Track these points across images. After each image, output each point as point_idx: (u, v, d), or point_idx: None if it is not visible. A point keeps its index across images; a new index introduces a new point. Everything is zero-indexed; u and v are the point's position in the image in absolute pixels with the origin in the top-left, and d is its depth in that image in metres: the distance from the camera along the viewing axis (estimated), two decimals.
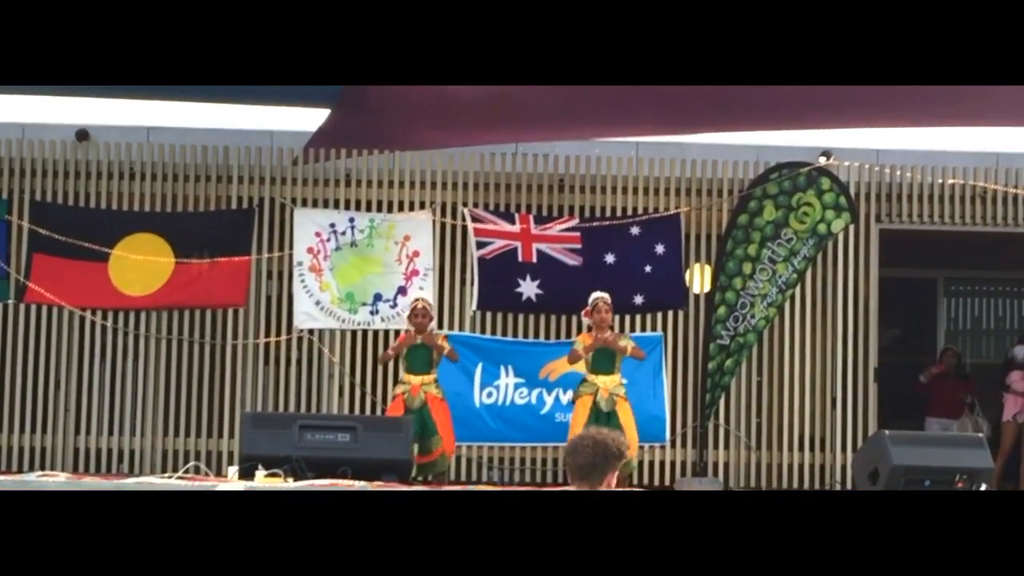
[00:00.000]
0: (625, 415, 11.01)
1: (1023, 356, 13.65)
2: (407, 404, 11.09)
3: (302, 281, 12.66)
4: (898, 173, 13.28)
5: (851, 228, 13.06)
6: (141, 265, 12.50)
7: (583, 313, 11.42)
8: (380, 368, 12.86)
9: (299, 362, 13.08)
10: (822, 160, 13.13)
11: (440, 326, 12.60)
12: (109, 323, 12.84)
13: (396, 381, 11.74)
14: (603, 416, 10.83)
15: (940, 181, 13.31)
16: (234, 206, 12.98)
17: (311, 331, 12.81)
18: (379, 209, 12.95)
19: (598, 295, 11.31)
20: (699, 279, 13.23)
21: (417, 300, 11.49)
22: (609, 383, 11.08)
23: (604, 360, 11.14)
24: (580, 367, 11.30)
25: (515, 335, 12.90)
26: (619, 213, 13.05)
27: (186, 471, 10.36)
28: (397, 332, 12.40)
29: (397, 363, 11.92)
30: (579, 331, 12.43)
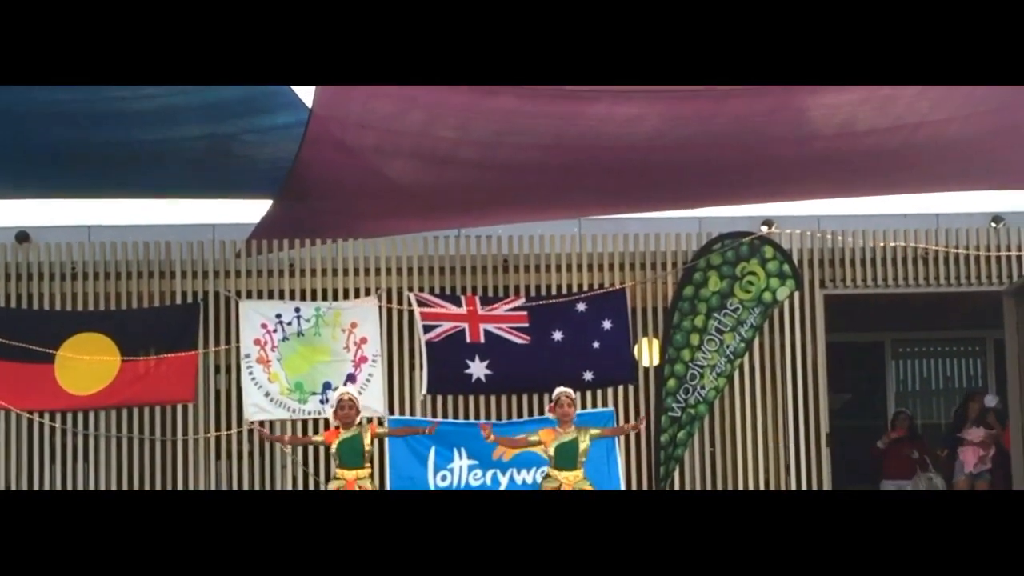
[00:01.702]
0: None
1: (988, 405, 13.93)
2: None
3: (250, 373, 12.80)
4: (839, 238, 13.58)
5: (796, 295, 13.34)
6: (87, 365, 12.61)
7: (548, 409, 11.60)
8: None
9: (251, 455, 13.22)
10: (764, 229, 13.45)
11: (391, 411, 12.83)
12: (58, 424, 12.94)
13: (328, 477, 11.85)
14: None
15: (881, 244, 13.61)
16: (178, 301, 13.14)
17: (262, 423, 12.93)
18: (324, 298, 13.14)
19: (561, 390, 11.52)
20: (647, 353, 13.45)
21: (343, 393, 11.54)
22: (572, 479, 11.26)
23: (567, 457, 11.30)
24: (539, 450, 11.46)
25: (466, 417, 13.07)
26: (564, 291, 13.28)
27: None
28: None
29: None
30: (530, 411, 12.69)
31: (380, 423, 11.94)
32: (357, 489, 11.18)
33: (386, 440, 12.41)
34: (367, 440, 11.32)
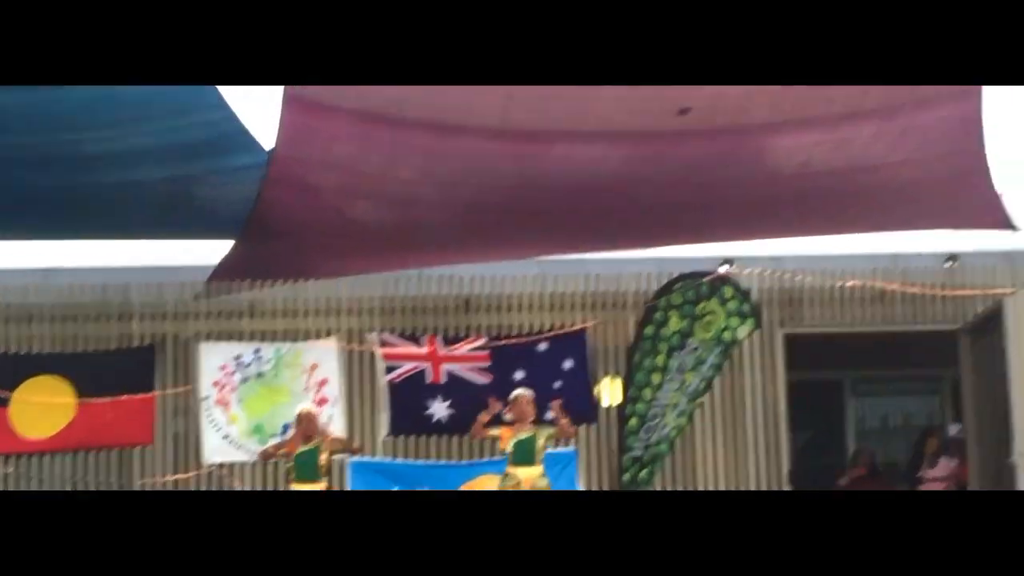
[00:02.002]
0: None
1: (951, 435, 14.09)
2: None
3: (209, 415, 12.78)
4: (799, 278, 13.71)
5: (756, 334, 13.48)
6: (43, 408, 12.59)
7: (505, 410, 11.65)
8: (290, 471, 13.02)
9: None
10: (723, 269, 13.56)
11: (353, 452, 12.81)
12: (11, 470, 12.87)
13: None
14: None
15: (840, 284, 13.75)
16: (136, 344, 13.11)
17: (221, 465, 12.90)
18: (285, 339, 13.17)
19: (520, 391, 11.61)
20: (609, 392, 13.54)
21: (301, 408, 11.56)
22: (531, 475, 11.29)
23: (525, 453, 11.38)
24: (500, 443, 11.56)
25: (427, 458, 13.11)
26: (526, 331, 13.38)
27: None
28: None
29: None
30: (491, 452, 12.73)
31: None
32: None
33: (347, 481, 12.43)
34: (324, 456, 11.35)
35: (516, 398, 11.55)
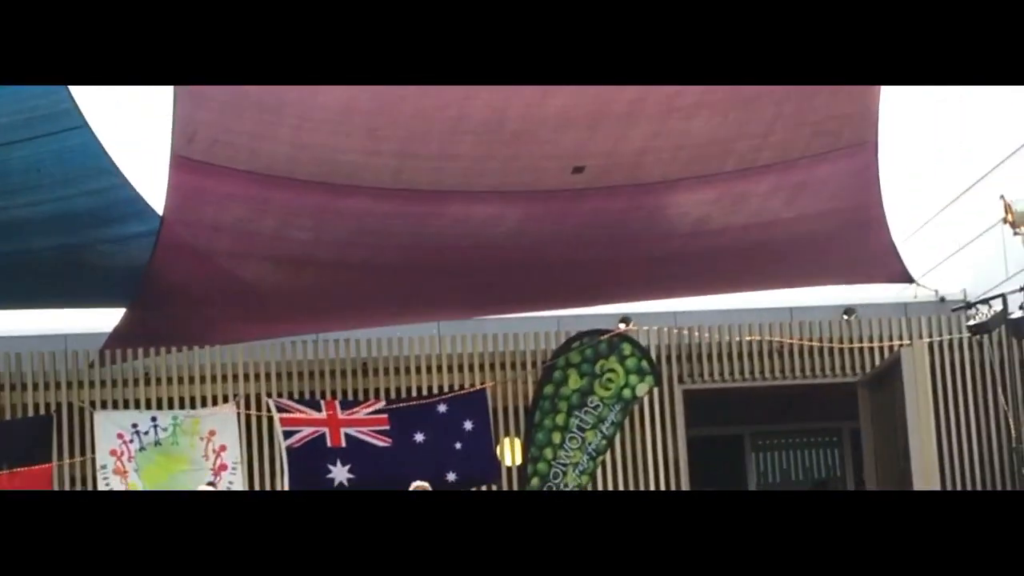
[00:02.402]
0: None
1: None
2: None
3: (107, 484, 12.76)
4: (696, 333, 13.87)
5: (655, 391, 13.60)
6: None
7: None
8: None
9: None
10: (622, 326, 13.70)
11: None
12: None
13: None
14: None
15: (738, 339, 13.93)
16: (31, 413, 13.06)
17: None
18: (182, 406, 13.16)
19: (417, 484, 11.58)
20: (510, 452, 13.61)
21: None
22: None
23: None
24: None
25: None
26: (425, 392, 13.44)
27: None
28: None
29: None
30: None
31: None
32: None
33: None
34: None
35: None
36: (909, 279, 14.53)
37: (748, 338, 13.93)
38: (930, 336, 13.89)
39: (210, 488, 11.65)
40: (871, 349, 14.02)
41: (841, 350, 14.00)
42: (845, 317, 14.30)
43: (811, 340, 14.01)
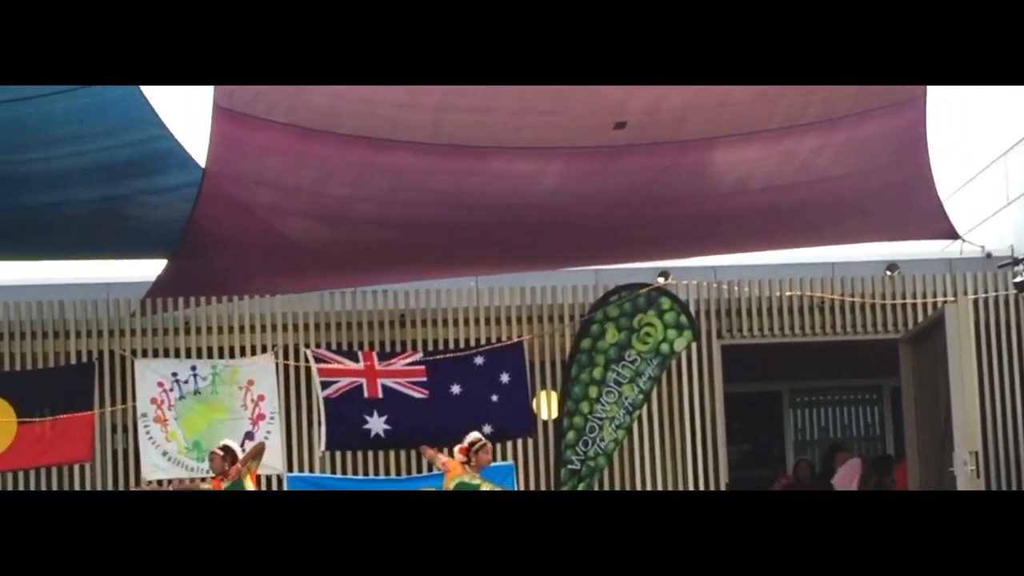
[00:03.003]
0: None
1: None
2: None
3: (147, 433, 13.05)
4: (736, 288, 13.99)
5: (693, 346, 13.74)
6: None
7: (458, 449, 11.91)
8: None
9: None
10: (660, 280, 13.84)
11: (290, 468, 13.12)
12: None
13: None
14: None
15: (778, 294, 14.03)
16: (73, 361, 13.37)
17: (160, 482, 13.15)
18: (221, 355, 13.44)
19: (473, 435, 11.91)
20: (546, 405, 13.82)
21: (221, 447, 11.82)
22: None
23: None
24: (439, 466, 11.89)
25: (365, 473, 13.40)
26: (462, 344, 13.65)
27: None
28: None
29: None
30: (428, 467, 13.04)
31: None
32: None
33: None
34: (249, 484, 11.68)
35: (483, 445, 11.82)
36: (955, 235, 14.60)
37: (788, 293, 14.01)
38: (975, 293, 13.90)
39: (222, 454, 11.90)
40: (914, 305, 14.08)
41: (883, 306, 14.07)
42: (888, 273, 14.34)
43: (853, 296, 14.07)
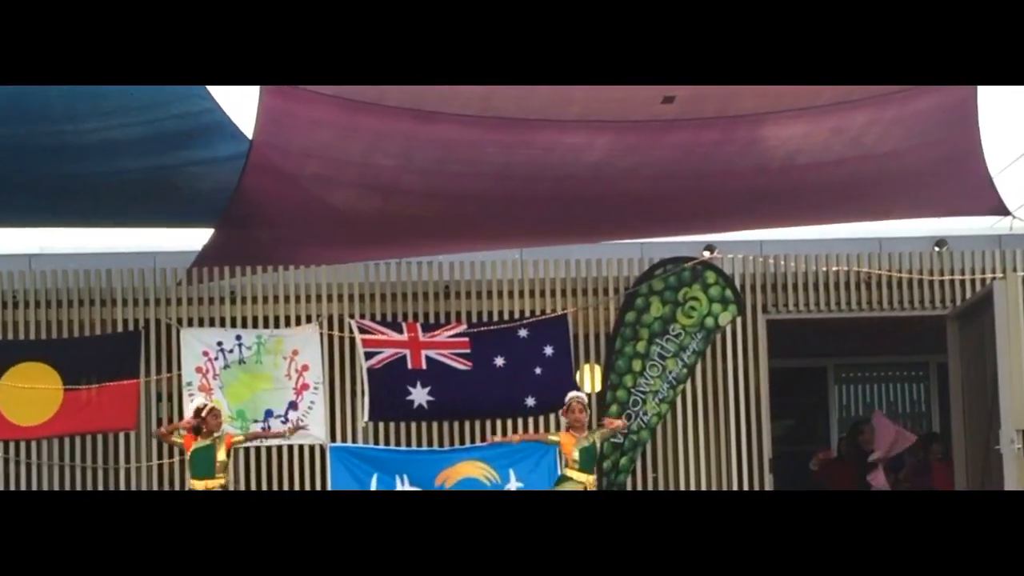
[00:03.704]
0: None
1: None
2: None
3: (192, 401, 13.25)
4: (782, 263, 14.17)
5: (738, 320, 13.93)
6: (30, 395, 13.15)
7: (561, 413, 12.22)
8: (275, 484, 13.62)
9: None
10: (706, 254, 14.04)
11: (333, 438, 13.41)
12: (0, 453, 13.46)
13: None
14: None
15: (824, 269, 14.18)
16: (120, 329, 13.70)
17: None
18: (266, 325, 13.74)
19: (573, 395, 12.26)
20: (589, 379, 14.06)
21: (205, 404, 12.23)
22: (591, 481, 12.09)
23: (589, 460, 12.12)
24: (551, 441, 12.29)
25: (408, 444, 13.69)
26: (506, 317, 13.89)
27: None
28: (290, 447, 13.28)
29: None
30: (471, 438, 13.29)
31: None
32: None
33: (328, 467, 13.03)
34: (221, 452, 12.05)
35: (569, 403, 12.19)
36: (1005, 212, 14.68)
37: (835, 268, 14.16)
38: None
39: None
40: (962, 282, 14.21)
41: (931, 282, 14.21)
42: (936, 249, 14.48)
43: (900, 272, 14.22)
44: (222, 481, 12.06)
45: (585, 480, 12.00)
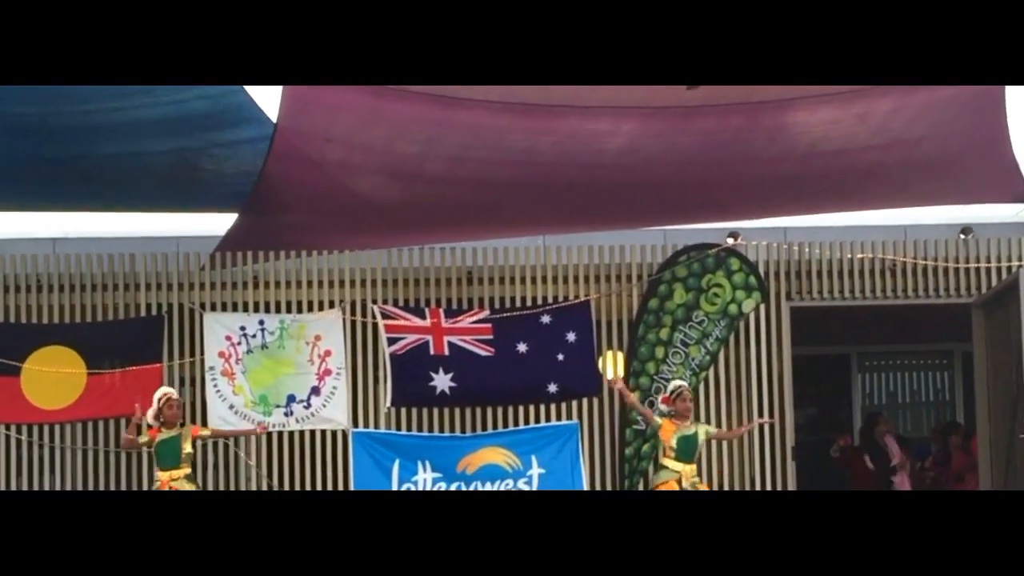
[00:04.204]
0: None
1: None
2: None
3: (215, 386, 13.48)
4: (806, 250, 14.24)
5: (762, 307, 14.02)
6: (54, 379, 13.30)
7: (661, 400, 12.32)
8: (297, 469, 13.73)
9: (216, 467, 13.92)
10: (730, 241, 14.12)
11: (355, 424, 13.53)
12: (24, 436, 13.60)
13: None
14: None
15: (849, 256, 14.26)
16: (143, 313, 13.84)
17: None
18: (288, 310, 13.85)
19: (681, 383, 12.41)
20: (612, 365, 14.12)
21: (166, 392, 12.45)
22: (690, 471, 12.28)
23: (688, 450, 12.36)
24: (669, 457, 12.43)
25: (430, 430, 13.80)
26: (529, 303, 13.98)
27: None
28: (312, 433, 13.40)
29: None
30: (494, 424, 13.40)
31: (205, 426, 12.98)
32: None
33: (350, 452, 13.15)
34: (187, 444, 12.28)
35: (679, 391, 12.41)
36: None
37: (859, 256, 14.22)
38: None
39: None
40: (988, 269, 14.27)
41: (956, 270, 14.27)
42: (962, 236, 14.51)
43: (925, 259, 14.27)
44: (187, 471, 12.28)
45: (682, 469, 12.22)
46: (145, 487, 13.65)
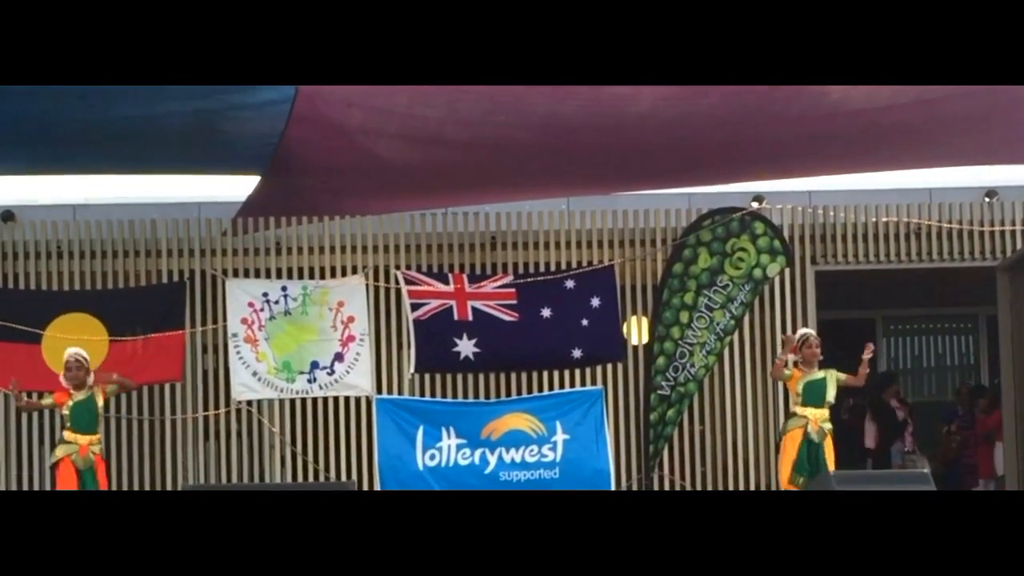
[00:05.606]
0: (829, 448, 12.31)
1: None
2: (77, 466, 11.98)
3: (238, 352, 13.48)
4: (831, 213, 14.22)
5: (787, 271, 14.01)
6: (75, 345, 13.21)
7: (790, 349, 12.35)
8: (321, 436, 13.73)
9: (239, 434, 13.94)
10: (754, 205, 14.11)
11: (379, 390, 13.54)
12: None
13: None
14: (814, 447, 12.19)
15: (874, 219, 14.25)
16: (164, 280, 13.82)
17: (250, 402, 13.64)
18: (311, 276, 13.83)
19: (807, 331, 12.48)
20: (636, 330, 14.13)
21: (72, 354, 12.23)
22: (819, 416, 12.30)
23: (815, 394, 12.34)
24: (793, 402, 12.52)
25: (454, 396, 13.79)
26: (553, 268, 13.97)
27: None
28: (335, 399, 13.40)
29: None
30: (518, 390, 13.41)
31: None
32: (91, 456, 12.01)
33: (374, 419, 13.16)
34: (100, 402, 12.16)
35: (806, 339, 12.40)
36: None
37: (884, 219, 14.21)
38: None
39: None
40: (1013, 232, 14.26)
41: (981, 233, 14.26)
42: (987, 199, 14.51)
43: (950, 222, 14.24)
44: (99, 436, 12.14)
45: (812, 414, 12.23)
46: (167, 455, 13.70)
